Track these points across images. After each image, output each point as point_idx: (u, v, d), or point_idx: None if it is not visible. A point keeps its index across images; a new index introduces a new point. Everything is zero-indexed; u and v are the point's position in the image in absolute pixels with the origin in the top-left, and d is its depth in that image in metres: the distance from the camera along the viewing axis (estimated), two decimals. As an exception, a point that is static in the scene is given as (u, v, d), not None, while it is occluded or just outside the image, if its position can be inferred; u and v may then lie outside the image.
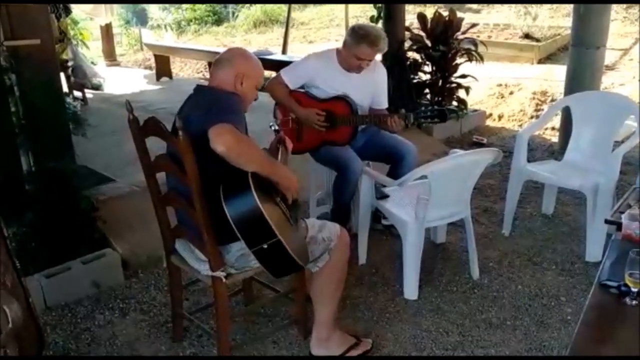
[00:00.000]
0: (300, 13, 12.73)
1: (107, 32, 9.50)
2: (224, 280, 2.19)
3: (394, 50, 5.32)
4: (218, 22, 13.69)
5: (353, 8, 10.46)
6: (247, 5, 13.51)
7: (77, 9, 7.77)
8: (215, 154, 1.95)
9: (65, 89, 5.72)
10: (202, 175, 2.04)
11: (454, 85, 5.47)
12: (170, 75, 8.52)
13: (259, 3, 12.91)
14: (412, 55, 5.56)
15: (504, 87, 6.93)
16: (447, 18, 5.40)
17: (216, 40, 12.24)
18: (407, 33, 5.50)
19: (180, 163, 2.05)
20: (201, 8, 13.55)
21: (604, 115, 3.50)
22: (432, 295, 2.93)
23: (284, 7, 10.86)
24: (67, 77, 6.42)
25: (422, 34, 5.47)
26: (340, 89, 3.24)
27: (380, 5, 5.52)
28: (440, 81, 5.47)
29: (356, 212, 3.37)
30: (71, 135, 3.21)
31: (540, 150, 5.11)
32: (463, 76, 5.44)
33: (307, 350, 2.50)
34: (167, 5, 13.55)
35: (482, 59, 5.45)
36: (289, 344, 2.59)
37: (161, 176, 2.33)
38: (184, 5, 13.50)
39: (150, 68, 9.63)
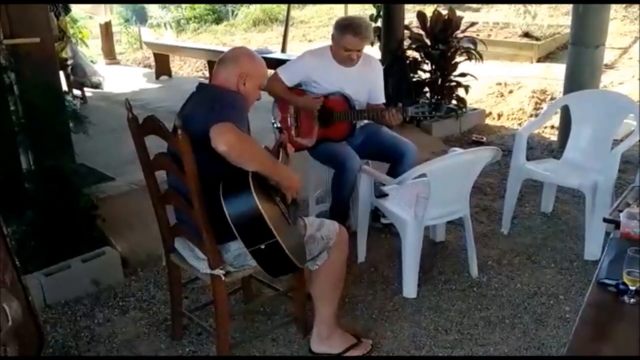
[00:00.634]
0: (300, 12, 12.73)
1: (106, 30, 9.50)
2: (223, 278, 2.19)
3: (393, 49, 5.34)
4: (217, 20, 13.68)
5: (352, 6, 10.45)
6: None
7: (76, 8, 7.77)
8: (216, 152, 1.94)
9: (64, 87, 5.71)
10: (203, 174, 2.04)
11: (453, 83, 5.47)
12: (169, 74, 8.52)
13: (259, 3, 12.90)
14: (412, 54, 5.56)
15: (503, 85, 6.93)
16: (446, 17, 5.41)
17: (215, 38, 12.23)
18: (406, 32, 5.50)
19: (180, 162, 2.05)
20: (201, 6, 13.54)
21: (603, 113, 3.50)
22: (431, 294, 2.94)
23: (283, 6, 10.85)
24: (67, 76, 6.41)
25: (422, 32, 5.47)
26: (337, 83, 3.26)
27: (379, 4, 5.52)
28: (440, 80, 5.47)
29: (355, 211, 3.37)
30: (71, 134, 3.20)
31: (539, 149, 5.11)
32: (462, 75, 5.44)
33: (306, 348, 2.50)
34: (166, 4, 13.56)
35: (481, 57, 5.45)
36: (288, 342, 2.59)
37: (161, 175, 2.33)
38: (184, 4, 13.50)
39: (149, 66, 9.63)
